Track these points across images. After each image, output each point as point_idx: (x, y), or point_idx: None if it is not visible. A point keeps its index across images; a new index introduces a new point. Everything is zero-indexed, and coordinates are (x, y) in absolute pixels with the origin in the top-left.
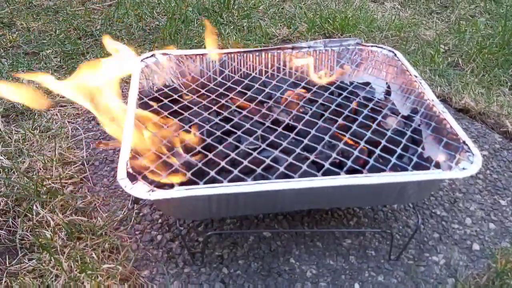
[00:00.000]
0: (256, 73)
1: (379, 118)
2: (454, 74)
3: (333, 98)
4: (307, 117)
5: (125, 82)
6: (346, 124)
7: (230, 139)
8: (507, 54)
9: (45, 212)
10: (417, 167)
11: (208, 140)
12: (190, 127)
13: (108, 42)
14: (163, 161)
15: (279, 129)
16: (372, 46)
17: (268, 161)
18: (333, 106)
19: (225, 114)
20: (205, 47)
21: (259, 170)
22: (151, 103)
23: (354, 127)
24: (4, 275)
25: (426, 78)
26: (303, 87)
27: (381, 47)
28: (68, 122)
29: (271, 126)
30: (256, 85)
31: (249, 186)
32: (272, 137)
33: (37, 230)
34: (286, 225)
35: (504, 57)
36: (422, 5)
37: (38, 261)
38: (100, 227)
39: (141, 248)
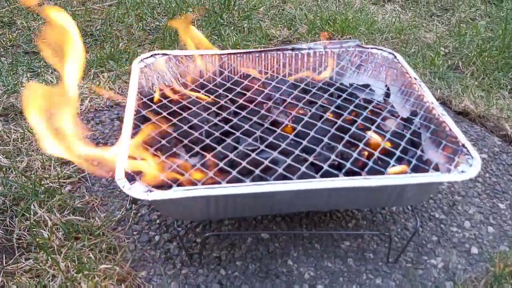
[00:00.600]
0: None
1: (378, 120)
2: (454, 77)
3: (333, 99)
4: (306, 118)
5: (125, 82)
6: (345, 126)
7: (228, 140)
8: (507, 58)
9: (43, 212)
10: (416, 169)
11: (207, 141)
12: (189, 127)
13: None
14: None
15: (278, 130)
16: (372, 48)
17: (266, 162)
18: (332, 108)
19: (224, 114)
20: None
21: (257, 171)
22: (150, 103)
23: (353, 129)
24: (1, 275)
25: (426, 80)
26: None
27: (381, 49)
28: None
29: (270, 127)
30: (255, 86)
31: (247, 188)
32: (271, 138)
33: (35, 229)
34: (284, 226)
35: (504, 60)
36: (422, 7)
37: (35, 261)
38: (98, 227)
39: (138, 249)
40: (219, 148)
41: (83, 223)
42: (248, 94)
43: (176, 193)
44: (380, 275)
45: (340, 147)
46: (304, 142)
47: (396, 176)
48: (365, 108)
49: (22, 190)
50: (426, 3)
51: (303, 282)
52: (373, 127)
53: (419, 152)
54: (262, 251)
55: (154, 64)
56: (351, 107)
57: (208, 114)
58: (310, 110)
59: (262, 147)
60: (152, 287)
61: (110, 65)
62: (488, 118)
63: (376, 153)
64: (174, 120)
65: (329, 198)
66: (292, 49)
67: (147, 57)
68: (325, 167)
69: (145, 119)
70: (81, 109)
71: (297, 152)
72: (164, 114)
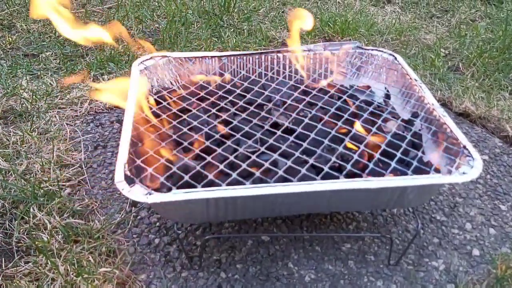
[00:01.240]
0: (255, 76)
1: (379, 121)
2: (455, 78)
3: (333, 101)
4: (306, 120)
5: None
6: (346, 127)
7: (229, 142)
8: (507, 59)
9: (42, 215)
10: (417, 171)
11: (207, 143)
12: (189, 130)
13: None
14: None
15: (278, 132)
16: (372, 49)
17: (267, 164)
18: (332, 110)
19: (224, 116)
20: None
21: (257, 174)
22: (149, 105)
23: (353, 130)
24: (0, 278)
25: (426, 82)
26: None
27: (381, 51)
28: (67, 124)
29: (270, 129)
30: (256, 88)
31: (247, 190)
32: (271, 141)
33: (34, 233)
34: (285, 229)
35: (504, 61)
36: (422, 9)
37: (34, 264)
38: (97, 230)
39: (138, 252)
40: (219, 150)
41: (82, 226)
42: (248, 96)
43: (175, 195)
44: (381, 278)
45: (340, 149)
46: (305, 144)
47: (397, 178)
48: (365, 109)
49: (21, 193)
50: (426, 4)
51: (303, 285)
52: (373, 129)
53: (420, 154)
54: (263, 254)
55: (153, 66)
56: (352, 109)
57: (208, 116)
58: (311, 112)
59: (262, 149)
60: None
61: (110, 67)
62: (488, 119)
63: (377, 155)
64: (174, 123)
65: (329, 200)
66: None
67: (147, 59)
68: (326, 169)
69: (145, 121)
70: (80, 112)
71: (297, 154)
72: (164, 116)
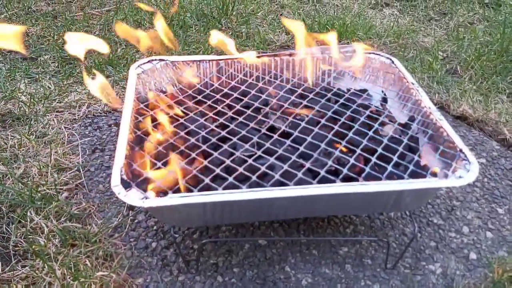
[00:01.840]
0: (253, 79)
1: (376, 125)
2: (452, 81)
3: (330, 105)
4: (303, 124)
5: (123, 88)
6: (343, 131)
7: (225, 146)
8: (505, 62)
9: (39, 219)
10: (414, 175)
11: (204, 147)
12: (186, 133)
13: None
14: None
15: (275, 136)
16: (369, 53)
17: (263, 168)
18: (329, 113)
19: (221, 120)
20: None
21: (254, 178)
22: (147, 109)
23: (350, 134)
24: None
25: (424, 85)
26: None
27: (378, 54)
28: (65, 127)
29: (267, 133)
30: (253, 92)
31: (244, 194)
32: (268, 144)
33: (31, 236)
34: (282, 232)
35: (502, 64)
36: (421, 12)
37: (31, 268)
38: (95, 234)
39: (135, 256)
40: (215, 154)
41: (79, 229)
42: (245, 99)
43: (172, 200)
44: (378, 281)
45: (337, 152)
46: (301, 148)
47: (393, 182)
48: (362, 113)
49: (18, 197)
50: (425, 7)
51: None
52: (370, 133)
53: (416, 158)
54: (260, 258)
55: (151, 70)
56: (348, 113)
57: (205, 120)
58: (307, 116)
59: (259, 153)
60: None
61: (108, 71)
62: (486, 122)
63: (373, 159)
64: (171, 126)
65: (326, 204)
66: (290, 54)
67: (145, 63)
68: (322, 173)
69: (141, 125)
70: (78, 115)
71: (294, 158)
72: (161, 121)
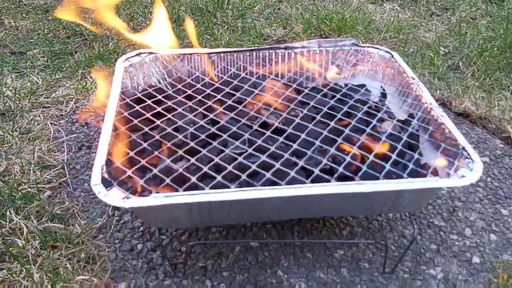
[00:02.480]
0: (246, 74)
1: (374, 121)
2: (454, 77)
3: (326, 100)
4: (297, 120)
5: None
6: (339, 128)
7: (215, 143)
8: (508, 58)
9: (19, 219)
10: (413, 174)
11: (192, 144)
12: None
13: None
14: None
15: (268, 133)
16: (368, 47)
17: (254, 167)
18: (325, 109)
19: (211, 116)
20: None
21: (244, 177)
22: (133, 104)
23: (346, 131)
24: None
25: (425, 81)
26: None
27: (378, 48)
28: (51, 123)
29: (259, 129)
30: (246, 86)
31: (232, 194)
32: (259, 141)
33: (9, 238)
34: (274, 234)
35: (505, 60)
36: (422, 7)
37: (8, 272)
38: (77, 235)
39: (119, 258)
40: (204, 151)
41: (61, 230)
42: (238, 94)
43: (155, 199)
44: (375, 287)
45: (332, 150)
46: (295, 145)
47: (391, 181)
48: (360, 109)
49: None
50: (426, 2)
51: None
52: (368, 129)
53: (416, 156)
54: (251, 261)
55: (139, 63)
56: (345, 108)
57: (194, 116)
58: (302, 112)
59: (250, 150)
60: None
61: (98, 65)
62: (489, 119)
63: (371, 157)
64: (158, 122)
65: (320, 204)
66: (285, 48)
67: (133, 56)
68: (316, 171)
69: (126, 121)
70: (65, 111)
71: (286, 155)
72: (148, 115)
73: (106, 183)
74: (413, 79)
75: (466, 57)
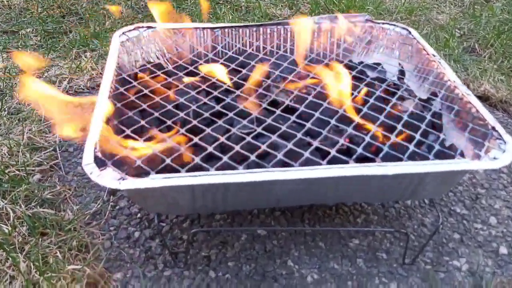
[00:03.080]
0: (252, 50)
1: (394, 100)
2: (471, 59)
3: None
4: (310, 98)
5: (105, 60)
6: (356, 106)
7: (220, 122)
8: None
9: (5, 203)
10: (440, 156)
11: (194, 122)
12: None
13: None
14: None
15: (278, 111)
16: (383, 23)
17: (264, 147)
18: (340, 87)
19: (216, 93)
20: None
21: (253, 157)
22: (130, 79)
23: (364, 109)
24: None
25: None
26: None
27: (394, 25)
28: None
29: (269, 108)
30: (252, 63)
31: (241, 176)
32: (269, 120)
33: None
34: (284, 222)
35: None
36: None
37: None
38: (69, 222)
39: (115, 247)
40: (208, 130)
41: (52, 216)
42: (244, 71)
43: (154, 181)
44: (395, 279)
45: (350, 130)
46: (308, 125)
47: (417, 163)
48: (378, 87)
49: None
50: None
51: (305, 286)
52: (388, 108)
53: (442, 136)
54: (258, 250)
55: (137, 38)
56: (362, 86)
57: (197, 93)
58: (315, 89)
59: (259, 129)
60: None
61: (94, 44)
62: (511, 103)
63: (392, 137)
64: (157, 99)
65: (336, 189)
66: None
67: (130, 30)
68: (333, 152)
69: (123, 97)
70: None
71: (299, 135)
72: (146, 91)
73: (100, 163)
74: (434, 56)
75: (482, 39)
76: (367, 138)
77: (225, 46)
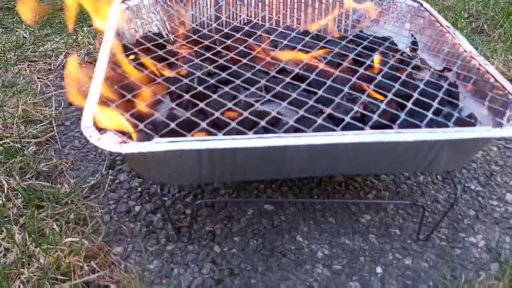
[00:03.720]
0: (258, 20)
1: (409, 69)
2: (480, 40)
3: (352, 47)
4: (321, 66)
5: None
6: (369, 75)
7: (226, 88)
8: None
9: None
10: (459, 124)
11: (200, 88)
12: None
13: None
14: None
15: (287, 79)
16: None
17: (274, 113)
18: (352, 55)
19: (221, 61)
20: None
21: (263, 123)
22: (131, 46)
23: (379, 77)
24: None
25: None
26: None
27: None
28: (38, 78)
29: (277, 75)
30: (259, 32)
31: (251, 141)
32: (278, 88)
33: None
34: (291, 197)
35: None
36: None
37: None
38: (66, 195)
39: (114, 220)
40: (214, 96)
41: (48, 189)
42: (250, 40)
43: (158, 145)
44: (409, 255)
45: (364, 97)
46: (320, 92)
47: (438, 130)
48: (391, 56)
49: None
50: None
51: (315, 261)
52: (403, 76)
53: (461, 104)
54: (266, 225)
55: (137, 6)
56: (375, 55)
57: (202, 61)
58: (326, 58)
59: (268, 96)
60: (129, 265)
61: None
62: None
63: (409, 104)
64: (159, 65)
65: (350, 159)
66: None
67: None
68: (347, 119)
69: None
70: (54, 65)
71: (311, 102)
72: (147, 58)
73: (100, 127)
74: (448, 27)
75: (491, 19)
76: (383, 106)
77: (229, 16)
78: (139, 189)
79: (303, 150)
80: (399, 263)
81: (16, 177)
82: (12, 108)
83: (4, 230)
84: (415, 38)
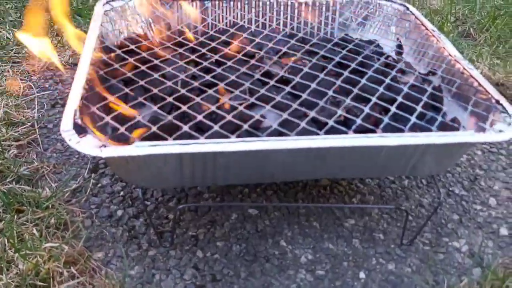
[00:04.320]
0: (244, 22)
1: (393, 72)
2: (466, 44)
3: (337, 50)
4: (306, 69)
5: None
6: (354, 78)
7: (210, 91)
8: None
9: None
10: (443, 128)
11: (183, 91)
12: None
13: None
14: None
15: (272, 82)
16: None
17: (257, 116)
18: (337, 59)
19: (206, 64)
20: None
21: (246, 126)
22: (114, 48)
23: (363, 81)
24: None
25: None
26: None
27: (391, 1)
28: (21, 79)
29: (262, 78)
30: (244, 35)
31: (233, 144)
32: (262, 91)
33: None
34: (276, 201)
35: None
36: None
37: None
38: (47, 199)
39: (96, 225)
40: (197, 99)
41: (28, 193)
42: (235, 43)
43: (139, 149)
44: (392, 260)
45: (348, 101)
46: (304, 95)
47: (421, 134)
48: (376, 60)
49: None
50: None
51: (299, 266)
52: (387, 80)
53: (444, 108)
54: (249, 230)
55: (122, 8)
56: (360, 58)
57: (186, 64)
58: (310, 61)
59: (252, 99)
60: (110, 271)
61: (77, 21)
62: (508, 86)
63: (393, 108)
64: (143, 67)
65: (334, 162)
66: None
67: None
68: (331, 123)
69: (106, 65)
70: (38, 67)
71: (295, 105)
72: (130, 60)
73: (80, 130)
74: (433, 31)
75: (477, 23)
76: (366, 109)
77: (215, 19)
78: (122, 193)
79: (286, 154)
80: (382, 268)
81: None
82: None
83: None
84: (400, 41)
